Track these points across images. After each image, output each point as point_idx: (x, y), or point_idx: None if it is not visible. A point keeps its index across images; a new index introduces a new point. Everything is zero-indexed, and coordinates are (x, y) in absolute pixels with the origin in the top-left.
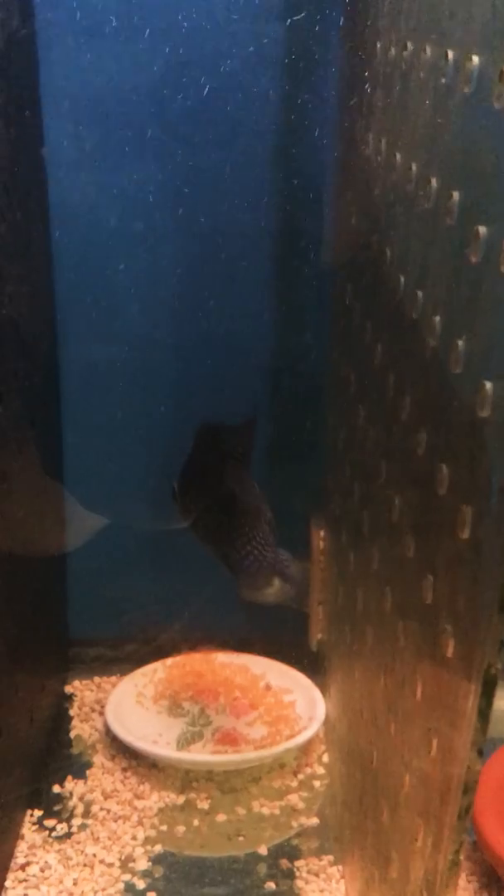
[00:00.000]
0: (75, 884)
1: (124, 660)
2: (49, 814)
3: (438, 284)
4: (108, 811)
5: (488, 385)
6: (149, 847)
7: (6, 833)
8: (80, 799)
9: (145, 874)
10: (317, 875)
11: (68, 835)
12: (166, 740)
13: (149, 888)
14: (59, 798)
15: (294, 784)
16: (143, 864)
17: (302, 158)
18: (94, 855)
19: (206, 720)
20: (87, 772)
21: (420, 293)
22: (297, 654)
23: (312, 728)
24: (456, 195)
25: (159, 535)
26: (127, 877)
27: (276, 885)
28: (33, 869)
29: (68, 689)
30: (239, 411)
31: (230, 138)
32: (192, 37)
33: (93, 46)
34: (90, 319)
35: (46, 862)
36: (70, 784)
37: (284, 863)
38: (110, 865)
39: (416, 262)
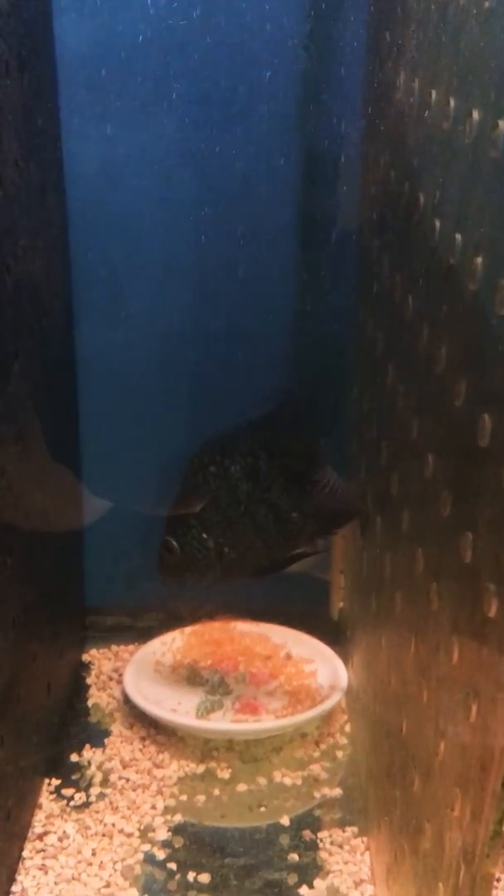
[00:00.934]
0: (94, 854)
1: (142, 628)
2: (67, 783)
3: (481, 224)
4: (127, 780)
5: None
6: (168, 817)
7: (24, 802)
8: (99, 768)
9: (165, 844)
10: (341, 847)
11: (87, 804)
12: (185, 709)
13: (169, 858)
14: (78, 767)
15: (316, 754)
16: (162, 834)
17: (327, 110)
18: (113, 824)
19: (225, 689)
20: (106, 740)
21: (459, 236)
22: (318, 623)
23: (334, 697)
24: (502, 125)
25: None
26: (146, 847)
27: (300, 856)
28: (51, 839)
29: (85, 657)
30: (260, 381)
31: (252, 92)
32: None
33: None
34: (107, 279)
35: (65, 831)
36: (88, 753)
37: (307, 834)
38: (129, 835)
39: (455, 203)
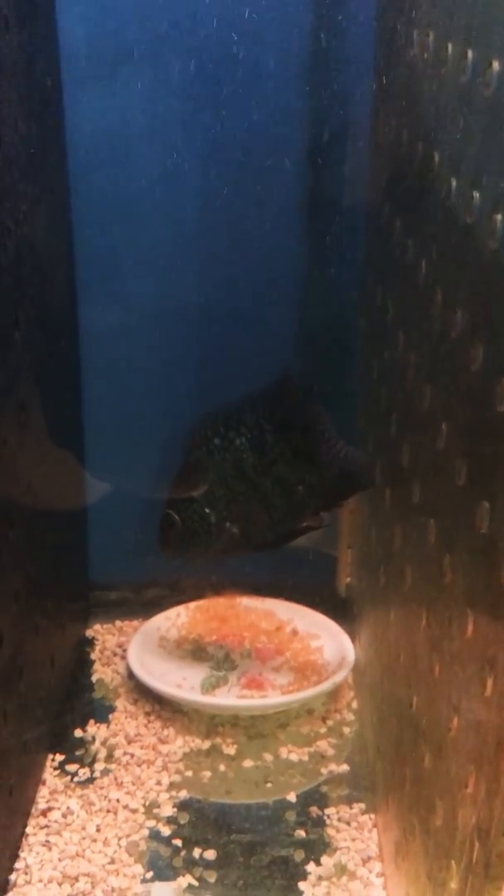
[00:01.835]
0: (98, 830)
1: (147, 604)
2: (71, 758)
3: (501, 178)
4: (132, 756)
5: None
6: (174, 793)
7: (27, 778)
8: (103, 743)
9: (170, 820)
10: (348, 823)
11: (91, 780)
12: (190, 684)
13: (174, 835)
14: (82, 742)
15: (323, 730)
16: (168, 810)
17: (336, 73)
18: (118, 800)
19: (231, 665)
20: (110, 716)
21: (477, 193)
22: (324, 598)
23: (341, 673)
24: None
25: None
26: (151, 823)
27: (306, 832)
28: (55, 815)
29: (89, 632)
30: (264, 355)
31: (259, 55)
32: None
33: None
34: (110, 250)
35: (69, 807)
36: (92, 728)
37: (314, 810)
38: (134, 811)
39: (472, 159)
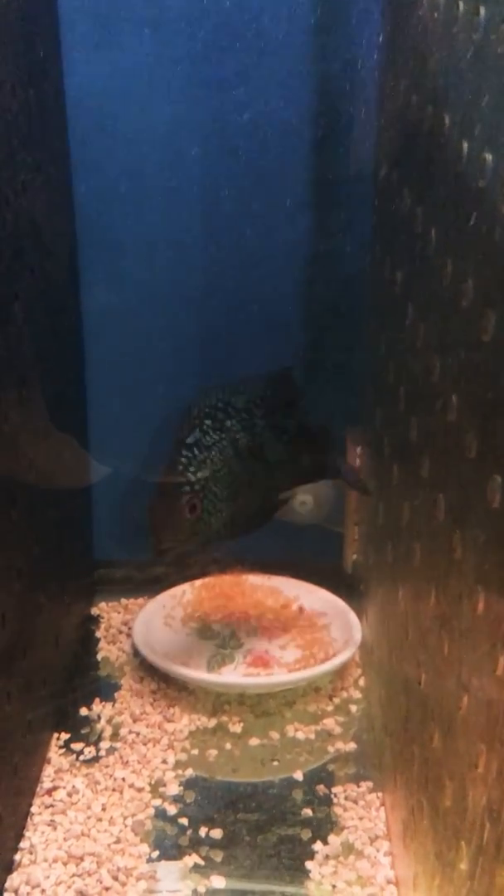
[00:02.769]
0: (104, 809)
1: (152, 581)
2: (76, 737)
3: None
4: (138, 734)
5: None
6: (180, 771)
7: (32, 756)
8: (109, 722)
9: (176, 799)
10: (355, 802)
11: (96, 758)
12: (196, 662)
13: (180, 813)
14: (87, 721)
15: (329, 708)
16: (174, 789)
17: (344, 37)
18: (124, 779)
19: (236, 643)
20: (115, 694)
21: (489, 156)
22: (331, 576)
23: (348, 651)
24: None
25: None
26: (157, 801)
27: (313, 811)
28: (60, 794)
29: (94, 610)
30: (270, 330)
31: (265, 18)
32: None
33: None
34: (112, 217)
35: (74, 786)
36: (98, 706)
37: (321, 789)
38: (140, 790)
39: (485, 121)
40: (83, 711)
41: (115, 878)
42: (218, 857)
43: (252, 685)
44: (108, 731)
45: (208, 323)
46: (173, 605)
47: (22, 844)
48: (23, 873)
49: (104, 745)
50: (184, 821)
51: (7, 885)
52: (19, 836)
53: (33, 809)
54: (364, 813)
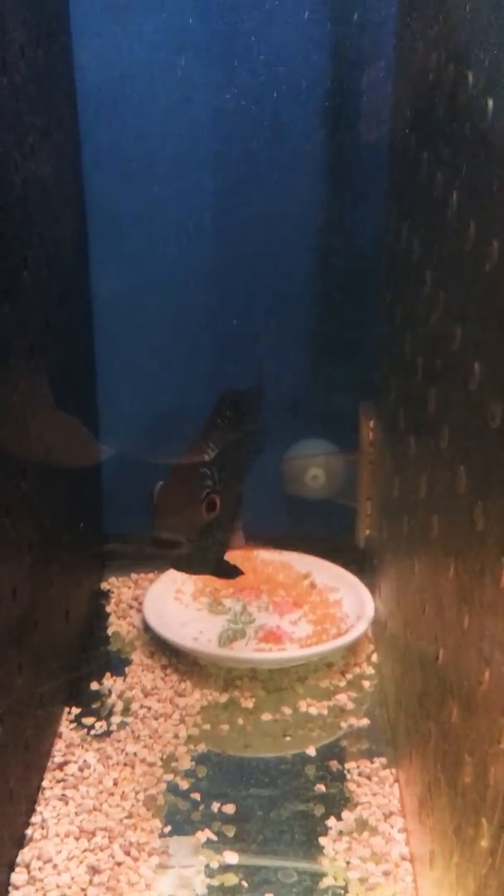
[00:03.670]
0: (115, 784)
1: (162, 556)
2: (87, 711)
3: None
4: (149, 709)
5: None
6: (192, 746)
7: (43, 730)
8: (120, 696)
9: (188, 774)
10: (369, 778)
11: (108, 733)
12: (207, 637)
13: (192, 789)
14: (98, 695)
15: (342, 684)
16: (186, 764)
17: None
18: (135, 754)
19: (248, 618)
20: (126, 669)
21: None
22: (342, 551)
23: (361, 626)
24: None
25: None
26: (169, 776)
27: (326, 787)
28: (72, 768)
29: (104, 585)
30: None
31: None
32: None
33: None
34: (121, 187)
35: (85, 761)
36: (108, 681)
37: (334, 764)
38: (152, 765)
39: None
40: (94, 686)
41: (128, 854)
42: (230, 832)
43: (264, 661)
44: (119, 706)
45: (220, 297)
46: (184, 579)
47: (33, 819)
48: (34, 848)
49: (115, 719)
50: (196, 796)
51: (19, 859)
52: (31, 810)
53: (44, 784)
54: (378, 789)
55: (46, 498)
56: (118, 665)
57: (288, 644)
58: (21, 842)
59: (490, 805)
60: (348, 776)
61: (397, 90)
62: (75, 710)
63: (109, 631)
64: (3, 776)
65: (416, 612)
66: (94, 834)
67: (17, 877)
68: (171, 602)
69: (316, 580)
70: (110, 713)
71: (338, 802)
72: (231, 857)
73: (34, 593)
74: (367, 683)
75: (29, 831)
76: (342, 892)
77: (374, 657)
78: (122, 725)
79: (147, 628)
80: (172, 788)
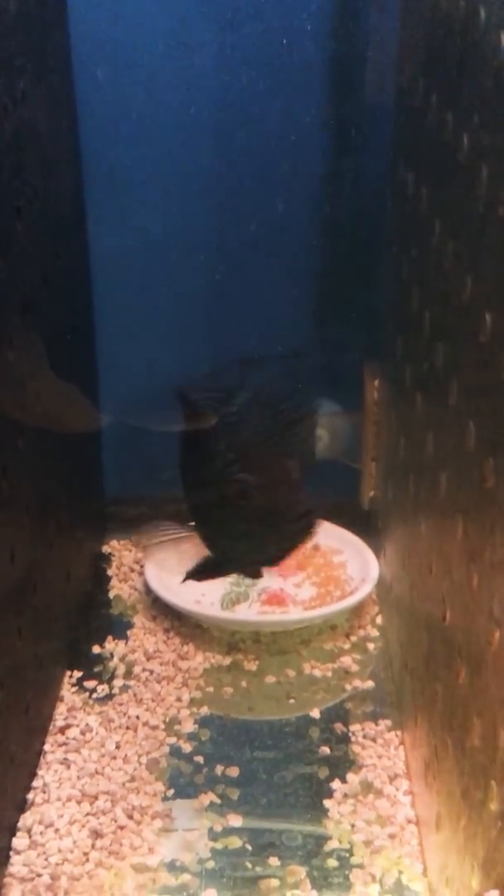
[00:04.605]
0: (118, 747)
1: (164, 519)
2: (89, 675)
3: None
4: (151, 672)
5: None
6: (194, 709)
7: (45, 694)
8: (122, 659)
9: (191, 737)
10: (374, 740)
11: (110, 696)
12: (210, 600)
13: (195, 752)
14: (100, 659)
15: (346, 646)
16: (189, 727)
17: None
18: (138, 717)
19: (251, 580)
20: (128, 632)
21: None
22: (346, 513)
23: (365, 588)
24: None
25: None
26: (172, 739)
27: (331, 749)
28: (73, 732)
29: (105, 548)
30: (284, 259)
31: None
32: None
33: None
34: (118, 138)
35: (87, 724)
36: (110, 644)
37: (339, 727)
38: (154, 728)
39: None
40: (96, 650)
41: (130, 817)
42: (234, 795)
43: (267, 623)
44: (121, 669)
45: (222, 255)
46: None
47: (35, 783)
48: (36, 812)
49: (117, 683)
50: (199, 759)
51: (20, 824)
52: (32, 774)
53: (46, 748)
54: (383, 751)
55: (45, 458)
56: (120, 628)
57: (291, 606)
58: (22, 806)
59: (500, 767)
60: (353, 738)
61: (405, 29)
62: (77, 674)
63: (111, 594)
64: (4, 740)
65: (422, 572)
66: (96, 798)
67: (19, 841)
68: (172, 565)
69: (320, 542)
70: (112, 676)
71: (342, 765)
72: (235, 821)
73: (33, 556)
74: (371, 646)
75: (30, 795)
76: (347, 854)
77: (379, 619)
78: (125, 689)
79: (149, 591)
80: (175, 751)
